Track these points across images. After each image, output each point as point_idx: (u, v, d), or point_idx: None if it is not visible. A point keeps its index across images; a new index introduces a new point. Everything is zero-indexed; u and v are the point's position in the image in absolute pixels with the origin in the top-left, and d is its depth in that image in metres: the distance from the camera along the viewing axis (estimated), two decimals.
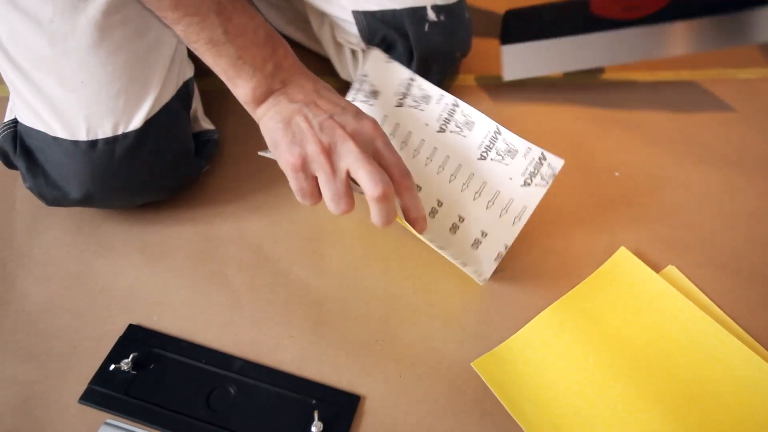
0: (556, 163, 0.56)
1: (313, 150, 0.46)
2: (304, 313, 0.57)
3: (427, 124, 0.53)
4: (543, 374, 0.54)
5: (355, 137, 0.46)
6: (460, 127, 0.53)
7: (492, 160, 0.53)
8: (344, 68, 0.74)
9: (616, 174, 0.72)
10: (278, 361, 0.54)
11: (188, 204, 0.65)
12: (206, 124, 0.68)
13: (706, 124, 0.80)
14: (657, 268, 0.62)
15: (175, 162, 0.60)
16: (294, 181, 0.49)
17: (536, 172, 0.55)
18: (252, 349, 0.54)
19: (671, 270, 0.62)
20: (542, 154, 0.56)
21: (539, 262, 0.63)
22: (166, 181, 0.61)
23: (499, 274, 0.62)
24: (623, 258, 0.62)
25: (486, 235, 0.54)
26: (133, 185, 0.58)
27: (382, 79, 0.62)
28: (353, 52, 0.72)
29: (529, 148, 0.56)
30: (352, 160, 0.46)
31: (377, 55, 0.63)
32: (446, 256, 0.54)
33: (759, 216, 0.69)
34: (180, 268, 0.60)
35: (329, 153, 0.46)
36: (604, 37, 0.69)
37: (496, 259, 0.56)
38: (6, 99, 0.59)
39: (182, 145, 0.61)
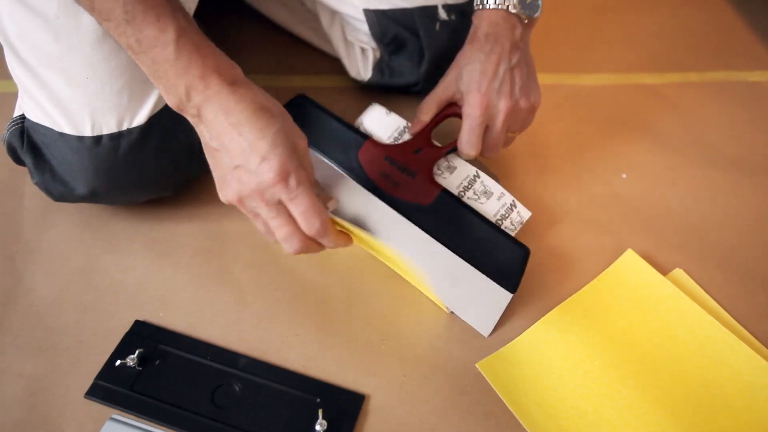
0: (524, 213, 0.62)
1: (231, 197, 0.48)
2: (309, 312, 0.57)
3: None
4: (548, 376, 0.53)
5: (258, 193, 0.46)
6: (477, 195, 0.59)
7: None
8: (354, 67, 0.74)
9: (624, 176, 0.72)
10: (283, 359, 0.54)
11: (196, 201, 0.65)
12: None
13: (714, 126, 0.80)
14: (664, 271, 0.62)
15: (179, 158, 0.60)
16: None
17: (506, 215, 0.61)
18: (257, 347, 0.55)
19: (678, 273, 0.62)
20: (513, 201, 0.62)
21: (545, 264, 0.62)
22: (171, 177, 0.61)
23: None
24: (630, 260, 0.62)
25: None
26: (138, 181, 0.58)
27: (379, 130, 0.64)
28: (363, 51, 0.72)
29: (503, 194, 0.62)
30: (262, 216, 0.47)
31: (377, 108, 0.65)
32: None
33: (767, 220, 0.68)
34: (187, 265, 0.60)
35: (242, 204, 0.48)
36: (351, 186, 0.59)
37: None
38: (15, 95, 0.59)
39: (188, 140, 0.61)
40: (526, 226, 0.66)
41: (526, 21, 0.59)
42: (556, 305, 0.58)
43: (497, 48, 0.58)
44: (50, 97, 0.54)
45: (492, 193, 0.62)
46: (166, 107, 0.57)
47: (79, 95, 0.53)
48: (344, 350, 0.55)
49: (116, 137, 0.54)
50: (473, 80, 0.58)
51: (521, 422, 0.51)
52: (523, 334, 0.56)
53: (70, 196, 0.57)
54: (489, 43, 0.59)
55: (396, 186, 0.59)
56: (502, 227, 0.60)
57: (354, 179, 0.59)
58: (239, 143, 0.45)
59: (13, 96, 0.60)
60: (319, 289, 0.59)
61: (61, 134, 0.54)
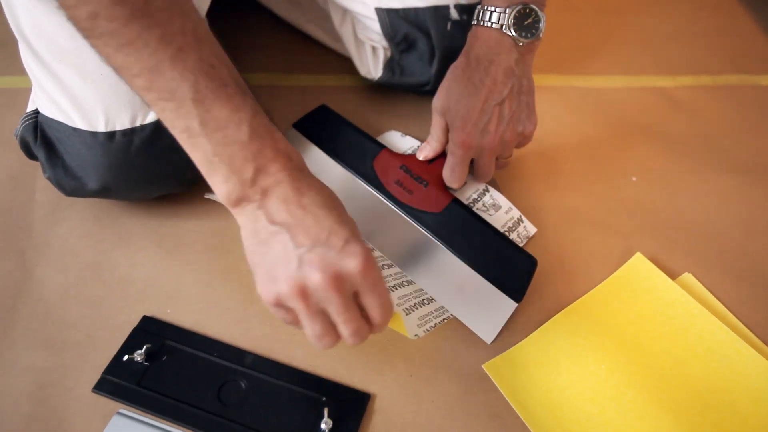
0: (530, 228, 0.64)
1: (289, 291, 0.40)
2: None
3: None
4: (554, 378, 0.53)
5: (336, 281, 0.40)
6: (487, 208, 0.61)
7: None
8: (364, 65, 0.74)
9: (634, 179, 0.72)
10: (290, 356, 0.54)
11: (205, 198, 0.66)
12: None
13: (726, 130, 0.79)
14: (673, 275, 0.61)
15: None
16: (272, 310, 0.44)
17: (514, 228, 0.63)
18: (264, 344, 0.55)
19: (687, 277, 0.62)
20: (520, 216, 0.64)
21: (553, 265, 0.62)
22: (183, 174, 0.61)
23: None
24: (639, 264, 0.62)
25: None
26: (149, 177, 0.58)
27: (394, 147, 0.66)
28: (374, 50, 0.72)
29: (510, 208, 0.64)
30: (331, 308, 0.41)
31: (393, 132, 0.66)
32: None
33: None
34: (195, 261, 0.60)
35: (305, 296, 0.40)
36: (365, 192, 0.61)
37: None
38: (28, 90, 0.60)
39: None
40: (533, 227, 0.65)
41: (521, 44, 0.57)
42: (564, 308, 0.58)
43: (487, 80, 0.57)
44: (65, 93, 0.54)
45: (500, 207, 0.64)
46: None
47: (94, 91, 0.54)
48: (350, 349, 0.55)
49: (129, 133, 0.55)
50: (458, 117, 0.58)
51: (527, 424, 0.50)
52: (531, 336, 0.56)
53: (82, 191, 0.57)
54: (480, 70, 0.57)
55: (409, 194, 0.61)
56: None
57: (368, 186, 0.61)
58: (314, 224, 0.40)
59: (27, 91, 0.61)
60: None
61: (75, 129, 0.55)
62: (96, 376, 0.52)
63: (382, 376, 0.53)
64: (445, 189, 0.62)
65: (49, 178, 0.58)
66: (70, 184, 0.57)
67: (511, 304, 0.56)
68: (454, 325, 0.57)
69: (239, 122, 0.40)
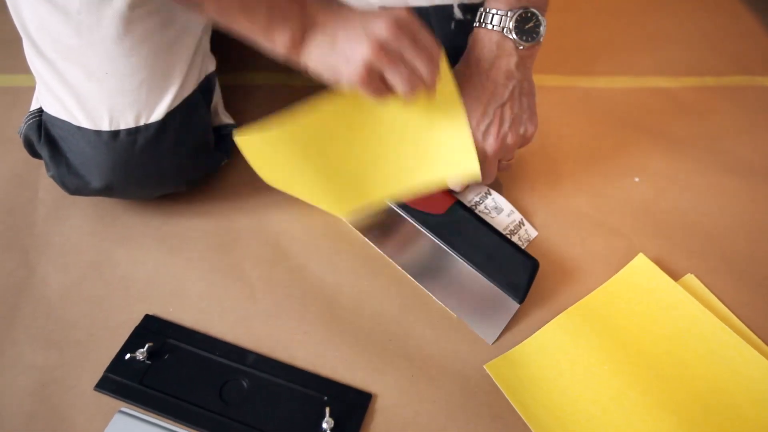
0: (531, 231, 0.64)
1: (369, 52, 0.47)
2: (318, 310, 0.58)
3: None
4: (556, 379, 0.53)
5: (395, 25, 0.48)
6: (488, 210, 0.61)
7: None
8: None
9: (636, 180, 0.72)
10: (292, 356, 0.54)
11: (208, 197, 0.66)
12: (226, 119, 0.69)
13: (729, 131, 0.79)
14: (675, 276, 0.61)
15: (194, 154, 0.60)
16: (367, 90, 0.50)
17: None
18: (266, 344, 0.55)
19: (690, 278, 0.62)
20: (522, 219, 0.64)
21: (556, 266, 0.62)
22: (186, 173, 0.61)
23: None
24: (641, 265, 0.62)
25: None
26: (153, 176, 0.58)
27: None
28: None
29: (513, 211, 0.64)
30: (404, 52, 0.49)
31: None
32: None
33: None
34: (198, 260, 0.61)
35: (383, 49, 0.47)
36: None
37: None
38: (32, 89, 0.60)
39: (202, 137, 0.61)
40: (536, 227, 0.65)
41: (521, 47, 0.57)
42: (566, 308, 0.58)
43: (488, 83, 0.58)
44: (69, 91, 0.54)
45: (502, 209, 0.64)
46: (183, 103, 0.58)
47: (98, 90, 0.54)
48: (352, 349, 0.55)
49: (133, 132, 0.55)
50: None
51: (529, 425, 0.50)
52: (533, 336, 0.56)
53: (85, 190, 0.58)
54: (481, 73, 0.58)
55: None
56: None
57: None
58: (359, 13, 0.48)
59: (31, 90, 0.61)
60: (328, 288, 0.59)
61: (79, 128, 0.55)
62: (98, 374, 0.52)
63: (384, 376, 0.53)
64: (448, 191, 0.62)
65: (52, 177, 0.58)
66: (73, 183, 0.57)
67: (512, 305, 0.56)
68: (456, 326, 0.57)
69: None
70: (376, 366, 0.54)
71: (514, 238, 0.63)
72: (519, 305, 0.56)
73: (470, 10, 0.68)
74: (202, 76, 0.61)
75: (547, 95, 0.82)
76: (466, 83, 0.58)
